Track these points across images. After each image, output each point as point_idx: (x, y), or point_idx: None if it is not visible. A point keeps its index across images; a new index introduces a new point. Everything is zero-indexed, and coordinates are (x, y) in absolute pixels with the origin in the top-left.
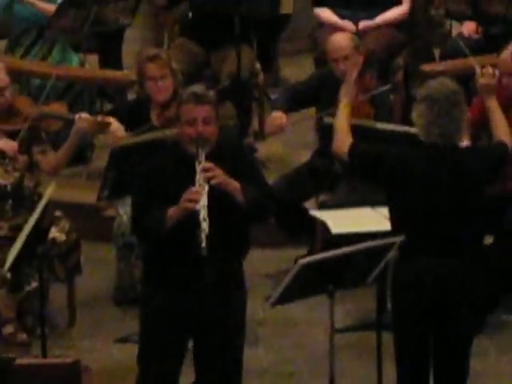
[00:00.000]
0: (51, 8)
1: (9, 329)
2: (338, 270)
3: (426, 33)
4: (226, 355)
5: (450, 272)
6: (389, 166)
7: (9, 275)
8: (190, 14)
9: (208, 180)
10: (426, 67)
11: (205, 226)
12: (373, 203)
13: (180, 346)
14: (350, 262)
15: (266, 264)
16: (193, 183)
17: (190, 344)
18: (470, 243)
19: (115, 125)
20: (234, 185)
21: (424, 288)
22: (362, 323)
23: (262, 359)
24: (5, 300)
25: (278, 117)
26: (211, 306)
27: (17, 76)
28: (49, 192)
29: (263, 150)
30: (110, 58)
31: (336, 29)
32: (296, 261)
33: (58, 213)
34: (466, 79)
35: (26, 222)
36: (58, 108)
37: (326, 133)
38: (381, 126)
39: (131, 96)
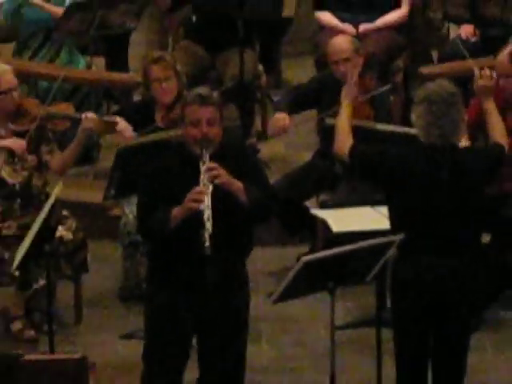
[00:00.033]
0: (59, 10)
1: (17, 325)
2: (339, 267)
3: (424, 35)
4: (229, 352)
5: (449, 271)
6: (389, 167)
7: (17, 273)
8: (194, 18)
9: (212, 180)
10: (425, 69)
11: (209, 225)
12: (372, 203)
13: (184, 343)
14: (350, 260)
15: (268, 262)
16: (197, 183)
17: (195, 341)
18: (470, 243)
19: (123, 124)
20: (238, 185)
21: (424, 287)
22: (362, 320)
23: (264, 355)
24: (13, 298)
25: (281, 118)
26: (214, 305)
27: (25, 78)
28: (56, 191)
29: (266, 150)
30: (116, 61)
31: (336, 32)
32: (298, 259)
33: (65, 212)
34: (464, 81)
35: (33, 221)
36: (65, 108)
37: (326, 134)
38: (381, 127)
39: (137, 98)
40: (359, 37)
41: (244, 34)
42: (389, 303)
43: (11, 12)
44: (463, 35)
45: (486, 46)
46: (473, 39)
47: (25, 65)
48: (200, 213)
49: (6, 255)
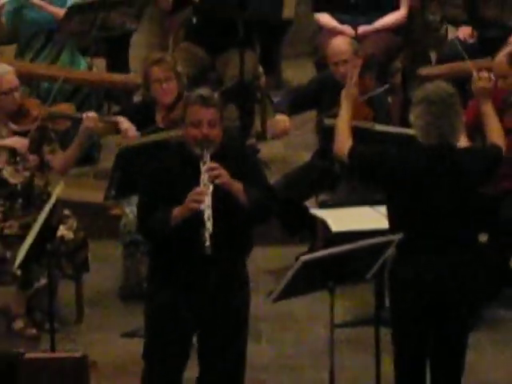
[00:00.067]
0: (61, 11)
1: (19, 324)
2: (338, 266)
3: (422, 37)
4: (229, 351)
5: (449, 271)
6: (389, 167)
7: (19, 272)
8: (194, 19)
9: (212, 180)
10: (423, 71)
11: (209, 225)
12: (372, 203)
13: (184, 343)
14: (349, 259)
15: (268, 261)
16: (197, 184)
17: (195, 339)
18: (469, 242)
19: (127, 124)
20: (237, 186)
21: (424, 286)
22: (361, 318)
23: (265, 354)
24: (15, 296)
25: (281, 120)
26: (215, 305)
27: (27, 79)
28: (57, 191)
29: (265, 150)
30: (117, 62)
31: (335, 33)
32: (297, 258)
33: (66, 212)
34: (462, 82)
35: (35, 220)
36: (66, 109)
37: (326, 134)
38: (379, 127)
39: (137, 98)
40: (358, 38)
41: (244, 35)
42: (387, 302)
43: (13, 13)
44: (461, 36)
45: (484, 48)
46: (471, 40)
47: (26, 66)
48: (200, 213)
49: (8, 254)
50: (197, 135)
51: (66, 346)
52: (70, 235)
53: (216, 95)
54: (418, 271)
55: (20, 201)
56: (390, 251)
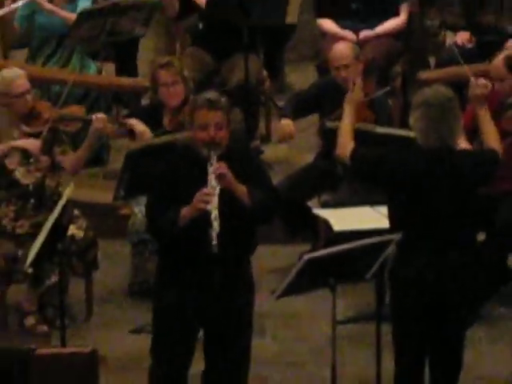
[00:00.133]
0: (72, 16)
1: (30, 320)
2: (340, 265)
3: (421, 42)
4: (234, 350)
5: (450, 271)
6: (389, 169)
7: (30, 270)
8: (201, 25)
9: (220, 177)
10: (422, 75)
11: (216, 225)
12: (373, 204)
13: (190, 340)
14: (350, 257)
15: (272, 259)
16: (204, 185)
17: (201, 333)
18: (469, 243)
19: (141, 127)
20: (241, 189)
21: (425, 286)
22: (362, 315)
23: (268, 349)
24: (26, 294)
25: (286, 125)
26: (221, 303)
27: (38, 83)
28: (67, 192)
29: (269, 152)
30: (126, 66)
31: (337, 38)
32: (300, 256)
33: (76, 211)
34: (460, 86)
35: (46, 220)
36: (77, 111)
37: (328, 136)
38: (381, 130)
39: (145, 102)
40: (359, 43)
41: (248, 40)
42: (387, 299)
43: (25, 18)
44: (459, 42)
45: (482, 52)
46: (469, 45)
47: (37, 70)
48: (207, 213)
49: (20, 253)
50: (204, 138)
51: (76, 342)
52: (80, 234)
53: (223, 98)
54: (419, 271)
55: (32, 201)
56: (390, 250)
